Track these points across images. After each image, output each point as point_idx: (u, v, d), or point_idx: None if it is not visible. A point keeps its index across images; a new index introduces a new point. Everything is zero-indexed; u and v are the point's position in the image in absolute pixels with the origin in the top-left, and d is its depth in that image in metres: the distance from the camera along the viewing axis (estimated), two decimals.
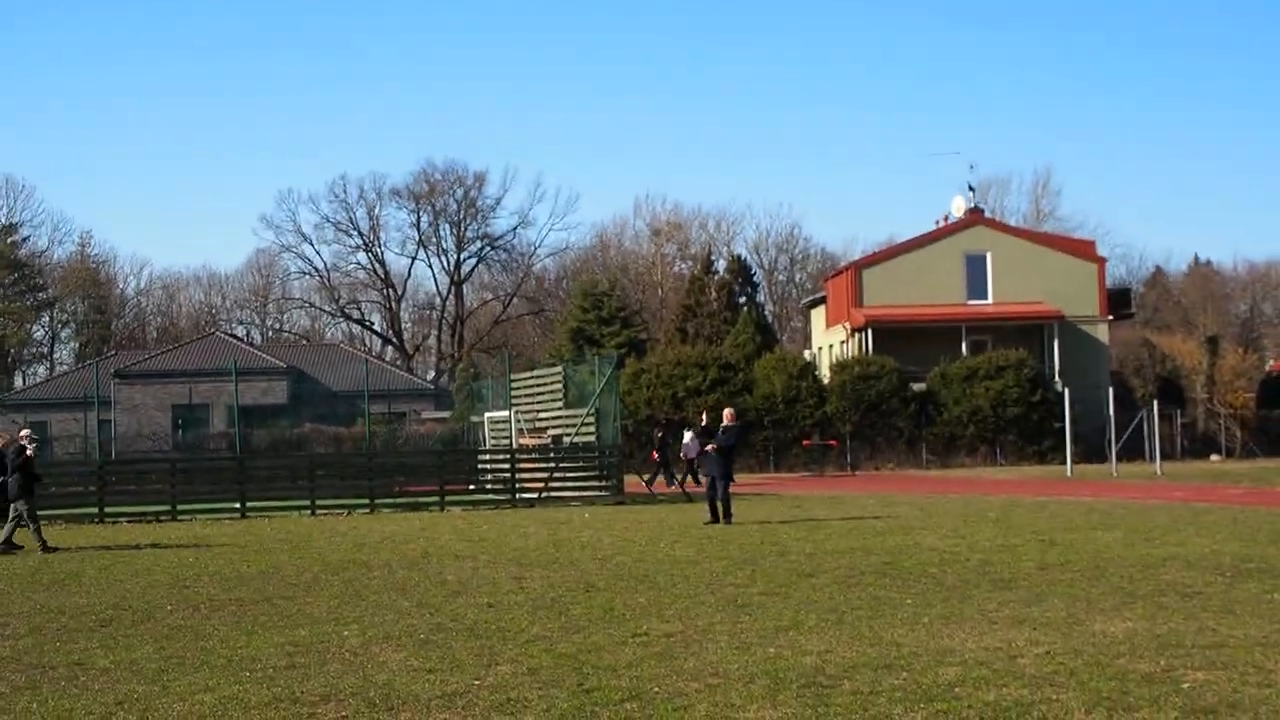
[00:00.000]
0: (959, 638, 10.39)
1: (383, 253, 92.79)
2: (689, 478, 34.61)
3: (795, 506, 27.33)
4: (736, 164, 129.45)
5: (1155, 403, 44.85)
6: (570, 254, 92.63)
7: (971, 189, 58.04)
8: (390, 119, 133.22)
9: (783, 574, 14.78)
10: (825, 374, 52.32)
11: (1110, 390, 46.25)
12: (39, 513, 21.37)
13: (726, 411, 23.65)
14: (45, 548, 20.34)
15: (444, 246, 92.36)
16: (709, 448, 22.86)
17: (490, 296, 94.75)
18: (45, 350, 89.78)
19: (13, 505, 20.57)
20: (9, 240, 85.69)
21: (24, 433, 21.62)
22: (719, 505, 22.57)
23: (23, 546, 20.59)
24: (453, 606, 12.85)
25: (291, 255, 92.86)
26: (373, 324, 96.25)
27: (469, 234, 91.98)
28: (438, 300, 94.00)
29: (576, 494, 30.33)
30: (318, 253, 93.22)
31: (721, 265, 74.14)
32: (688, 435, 36.02)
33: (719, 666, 9.39)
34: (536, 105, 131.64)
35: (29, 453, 20.87)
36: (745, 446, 47.22)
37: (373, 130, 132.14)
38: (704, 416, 24.37)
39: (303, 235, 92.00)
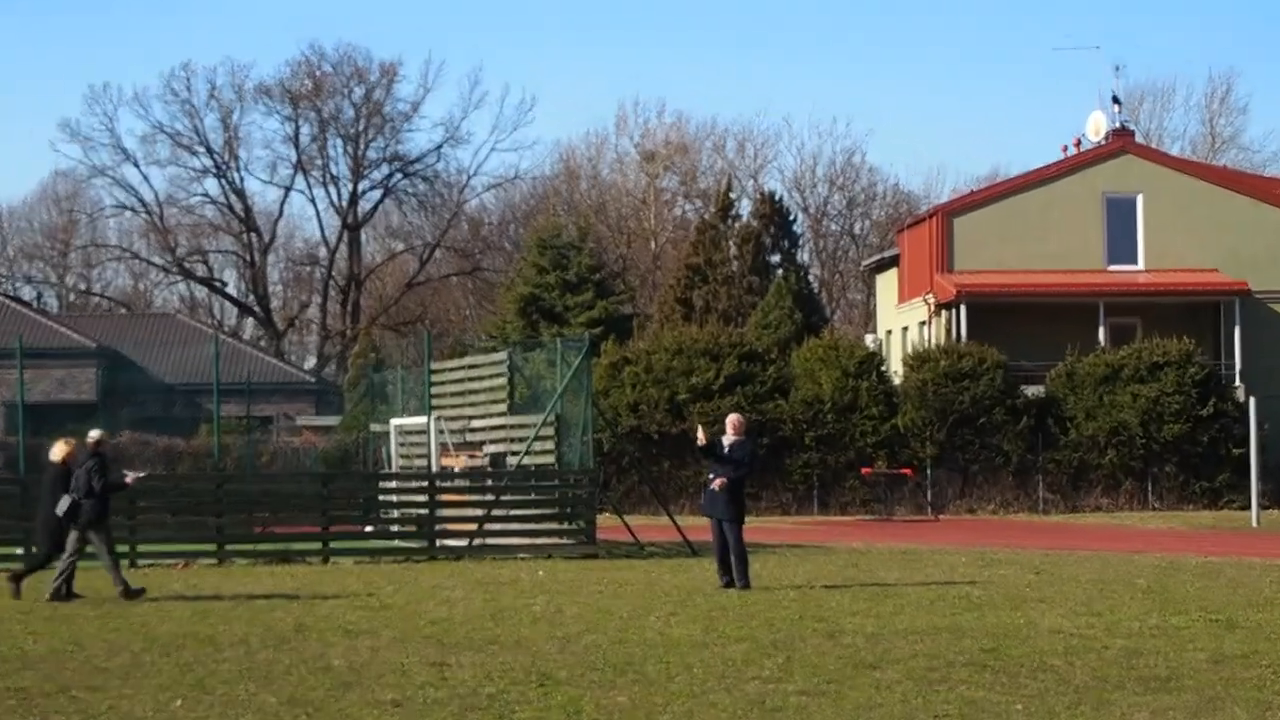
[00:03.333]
0: None
1: (242, 180, 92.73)
2: None
3: (850, 565, 27.35)
4: (768, 61, 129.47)
5: None
6: (521, 186, 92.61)
7: (1116, 102, 57.96)
8: None
9: (832, 665, 14.82)
10: (896, 370, 52.24)
11: None
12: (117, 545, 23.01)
13: (731, 419, 23.68)
14: (128, 591, 21.72)
15: (333, 172, 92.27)
16: (715, 482, 22.83)
17: (401, 247, 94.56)
18: None
19: (76, 534, 22.03)
20: None
21: (95, 434, 23.02)
22: (732, 561, 22.61)
23: (83, 595, 21.74)
24: (340, 705, 12.84)
25: (106, 181, 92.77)
26: (225, 285, 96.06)
27: (371, 154, 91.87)
28: (323, 251, 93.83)
29: (526, 541, 30.32)
30: (145, 178, 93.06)
31: (745, 207, 74.13)
32: None
33: None
34: None
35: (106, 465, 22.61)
36: (769, 471, 47.15)
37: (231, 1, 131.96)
38: (699, 433, 24.19)
39: (123, 152, 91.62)
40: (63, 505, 22.09)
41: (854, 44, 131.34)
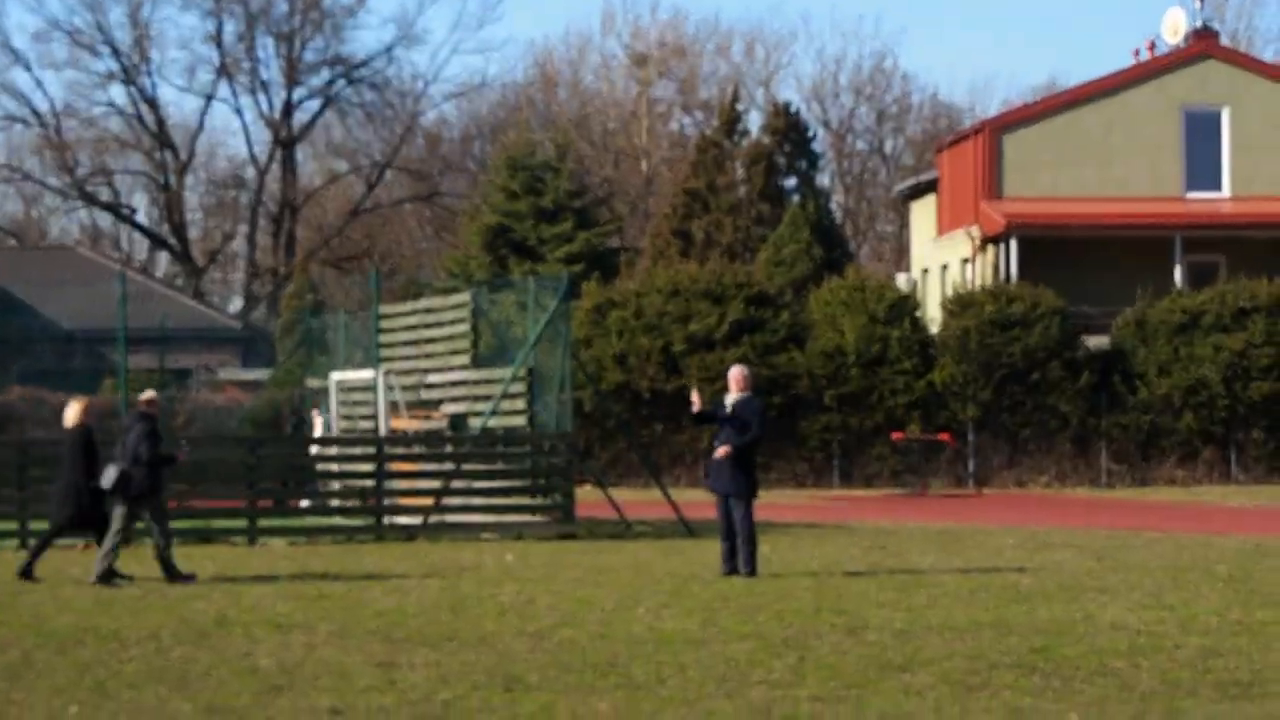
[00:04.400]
0: None
1: (155, 86, 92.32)
2: None
3: (876, 547, 27.48)
4: None
5: None
6: (488, 95, 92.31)
7: None
8: None
9: (853, 666, 14.86)
10: (934, 317, 52.30)
11: None
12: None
13: (734, 372, 23.68)
14: (175, 575, 22.71)
15: (263, 78, 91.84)
16: (720, 450, 22.91)
17: (345, 167, 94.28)
18: None
19: (124, 510, 22.90)
20: None
21: (148, 394, 23.98)
22: (738, 542, 22.70)
23: (132, 577, 22.64)
24: (269, 713, 12.88)
25: None
26: (134, 212, 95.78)
27: (309, 56, 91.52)
28: (251, 172, 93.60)
29: (492, 518, 30.45)
30: (38, 84, 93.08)
31: (755, 121, 73.90)
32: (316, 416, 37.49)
33: None
34: None
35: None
36: (782, 436, 47.05)
37: None
38: (696, 396, 24.22)
39: (11, 53, 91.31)
40: (110, 476, 22.74)
41: None
